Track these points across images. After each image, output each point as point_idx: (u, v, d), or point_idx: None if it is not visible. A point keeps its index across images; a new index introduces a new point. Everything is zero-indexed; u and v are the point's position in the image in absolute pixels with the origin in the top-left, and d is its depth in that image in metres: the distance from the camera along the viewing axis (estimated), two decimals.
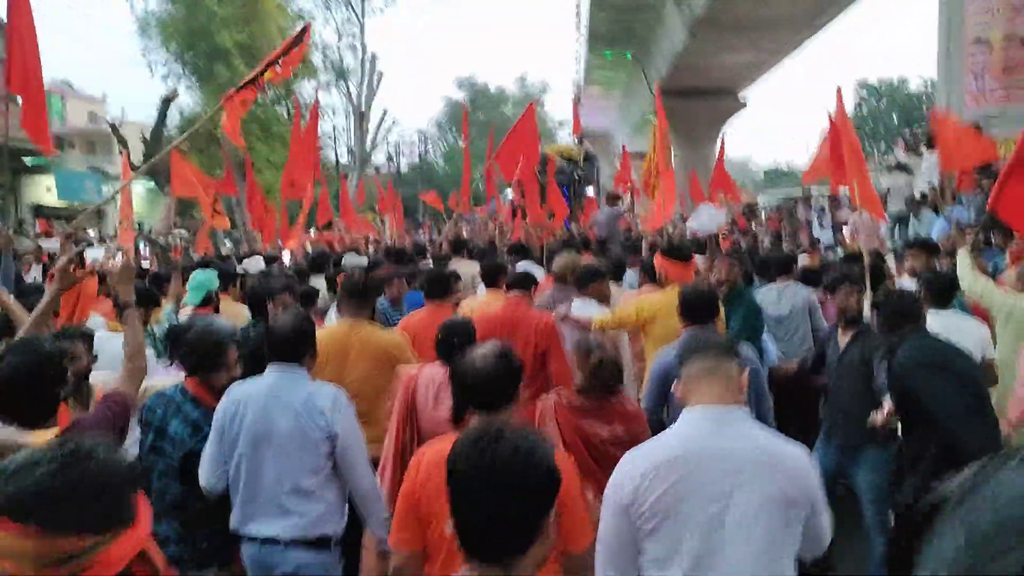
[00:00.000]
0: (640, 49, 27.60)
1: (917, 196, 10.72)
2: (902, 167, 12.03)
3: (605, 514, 2.26)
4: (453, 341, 3.60)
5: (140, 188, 21.01)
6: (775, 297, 6.08)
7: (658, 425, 3.40)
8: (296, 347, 3.25)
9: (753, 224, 14.08)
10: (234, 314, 5.36)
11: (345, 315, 4.43)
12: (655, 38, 25.39)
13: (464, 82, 60.23)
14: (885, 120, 51.19)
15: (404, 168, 42.97)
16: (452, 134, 57.05)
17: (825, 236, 11.34)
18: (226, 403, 3.18)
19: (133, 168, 11.56)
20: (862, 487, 4.37)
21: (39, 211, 20.62)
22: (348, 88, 27.76)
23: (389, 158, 40.51)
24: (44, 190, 20.75)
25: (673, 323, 4.33)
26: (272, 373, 3.21)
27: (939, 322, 4.37)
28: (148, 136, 19.30)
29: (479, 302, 5.56)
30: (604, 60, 31.09)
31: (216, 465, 3.14)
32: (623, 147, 18.14)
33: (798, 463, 2.25)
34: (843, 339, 4.63)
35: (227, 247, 16.38)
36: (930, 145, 10.82)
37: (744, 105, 28.78)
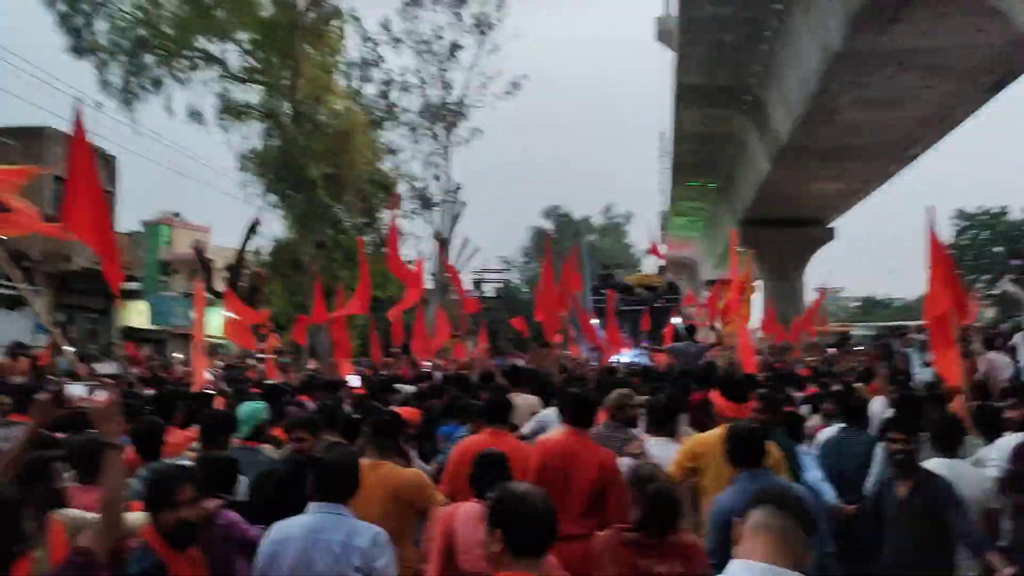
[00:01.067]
0: (724, 179, 27.55)
1: None
2: (1014, 301, 11.17)
3: None
4: (490, 475, 3.56)
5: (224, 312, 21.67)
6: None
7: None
8: (343, 486, 3.26)
9: (842, 358, 13.28)
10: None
11: (369, 453, 4.27)
12: (739, 167, 25.32)
13: (550, 211, 61.44)
14: (988, 250, 49.12)
15: (489, 294, 43.41)
16: (536, 262, 57.79)
17: (925, 375, 10.39)
18: (267, 543, 3.16)
19: (210, 293, 11.89)
20: None
21: (130, 334, 21.51)
22: (431, 217, 28.57)
23: (476, 284, 41.02)
24: (137, 314, 21.71)
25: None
26: (315, 512, 3.19)
27: (944, 470, 4.34)
28: (232, 262, 20.12)
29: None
30: (688, 190, 31.18)
31: None
32: (711, 281, 17.84)
33: None
34: (901, 489, 4.33)
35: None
36: None
37: (832, 236, 28.11)
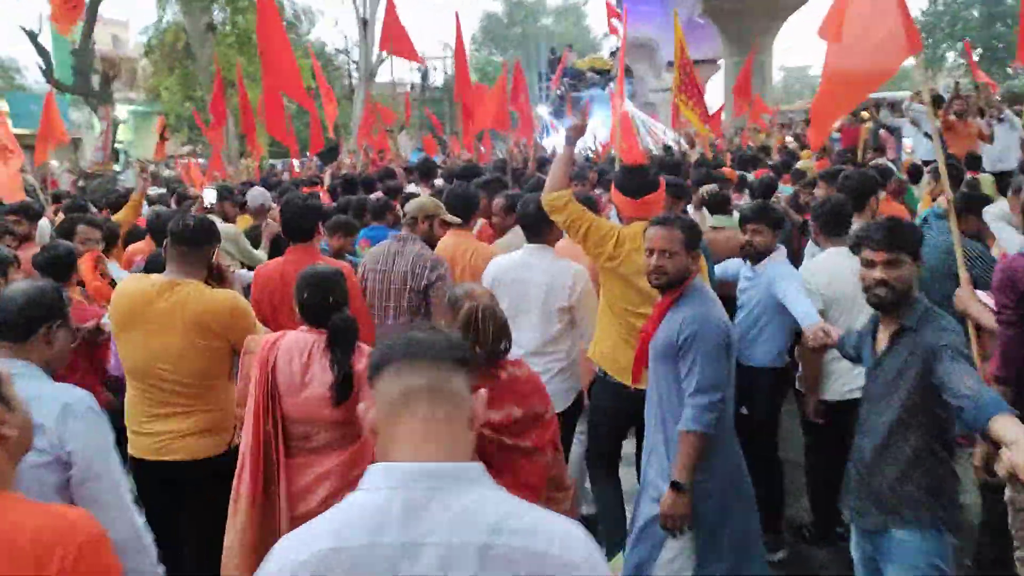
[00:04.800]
0: None
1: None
2: None
3: None
4: (325, 301, 2.97)
5: (123, 113, 18.97)
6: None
7: None
8: (17, 327, 2.37)
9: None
10: None
11: (168, 269, 3.39)
12: None
13: None
14: (961, 16, 46.28)
15: (432, 83, 40.56)
16: (487, 48, 54.04)
17: (923, 150, 8.74)
18: None
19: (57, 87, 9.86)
20: None
21: None
22: None
23: (424, 75, 38.34)
24: None
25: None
26: None
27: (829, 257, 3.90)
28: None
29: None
30: None
31: None
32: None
33: (553, 560, 1.24)
34: (881, 339, 2.69)
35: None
36: None
37: (804, 1, 25.63)
